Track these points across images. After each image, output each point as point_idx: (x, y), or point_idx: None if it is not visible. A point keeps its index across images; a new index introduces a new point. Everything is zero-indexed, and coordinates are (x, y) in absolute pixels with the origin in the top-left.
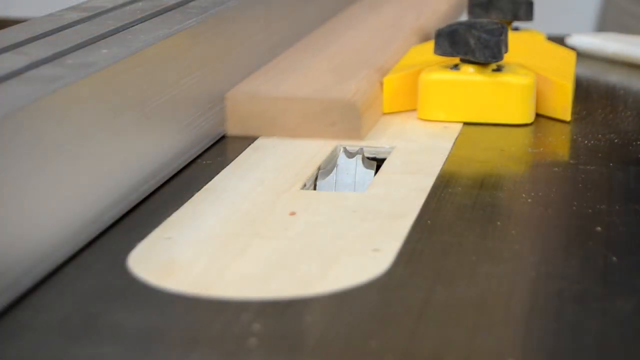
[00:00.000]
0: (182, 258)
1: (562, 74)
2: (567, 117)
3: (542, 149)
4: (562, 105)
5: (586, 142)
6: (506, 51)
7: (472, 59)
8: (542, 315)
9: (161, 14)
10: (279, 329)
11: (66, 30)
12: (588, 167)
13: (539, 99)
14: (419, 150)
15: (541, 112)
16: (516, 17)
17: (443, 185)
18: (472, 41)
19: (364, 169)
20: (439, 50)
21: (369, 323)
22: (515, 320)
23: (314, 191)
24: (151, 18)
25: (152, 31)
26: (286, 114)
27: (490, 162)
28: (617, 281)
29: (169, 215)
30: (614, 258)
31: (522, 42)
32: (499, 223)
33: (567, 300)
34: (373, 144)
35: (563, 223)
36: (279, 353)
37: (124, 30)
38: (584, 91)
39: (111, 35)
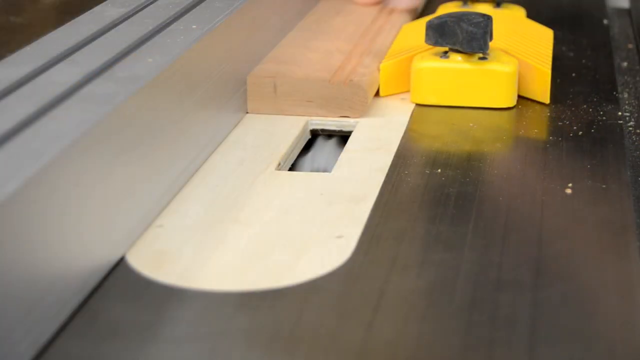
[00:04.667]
0: (172, 248)
1: (542, 57)
2: (547, 100)
3: (522, 131)
4: (542, 89)
5: (562, 123)
6: (491, 40)
7: (460, 49)
8: (481, 306)
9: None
10: (256, 321)
11: (110, 32)
12: (551, 148)
13: (521, 82)
14: (380, 125)
15: (523, 94)
16: None
17: (400, 164)
18: (459, 33)
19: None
20: (430, 40)
21: (331, 315)
22: (459, 311)
23: (287, 172)
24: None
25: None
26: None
27: (441, 137)
28: (550, 270)
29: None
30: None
31: (504, 22)
32: (451, 205)
33: (503, 289)
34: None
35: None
36: (259, 344)
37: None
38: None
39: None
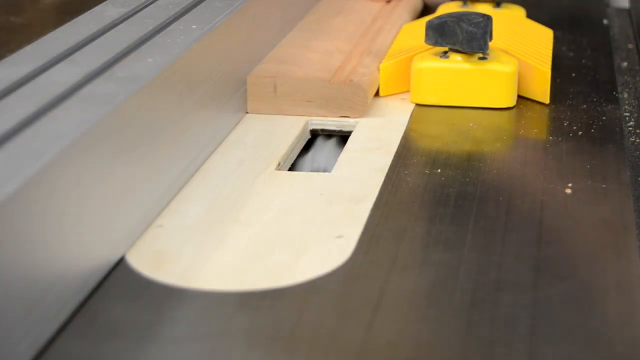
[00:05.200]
0: (172, 248)
1: (541, 57)
2: (546, 100)
3: (522, 131)
4: (542, 90)
5: (562, 123)
6: (491, 40)
7: (459, 49)
8: (481, 306)
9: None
10: (256, 321)
11: (110, 32)
12: (551, 148)
13: (521, 82)
14: (380, 125)
15: (523, 94)
16: None
17: (400, 164)
18: (459, 33)
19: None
20: (430, 40)
21: (331, 315)
22: (459, 311)
23: (287, 172)
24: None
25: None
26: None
27: (441, 137)
28: (550, 270)
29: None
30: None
31: (504, 22)
32: (451, 205)
33: (503, 289)
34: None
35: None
36: (259, 344)
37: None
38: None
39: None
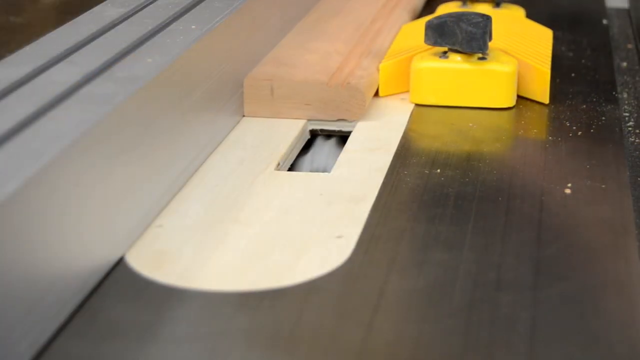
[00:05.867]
0: (172, 248)
1: (541, 57)
2: (546, 100)
3: (521, 131)
4: (542, 90)
5: (561, 123)
6: (490, 40)
7: (459, 49)
8: (481, 306)
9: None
10: (256, 321)
11: (109, 32)
12: (550, 148)
13: (520, 82)
14: (380, 125)
15: (522, 94)
16: None
17: (400, 164)
18: (459, 34)
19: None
20: (429, 40)
21: (331, 315)
22: (458, 311)
23: (286, 172)
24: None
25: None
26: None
27: (441, 137)
28: (550, 270)
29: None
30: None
31: (504, 22)
32: (450, 206)
33: (503, 289)
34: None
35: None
36: (259, 344)
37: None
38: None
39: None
